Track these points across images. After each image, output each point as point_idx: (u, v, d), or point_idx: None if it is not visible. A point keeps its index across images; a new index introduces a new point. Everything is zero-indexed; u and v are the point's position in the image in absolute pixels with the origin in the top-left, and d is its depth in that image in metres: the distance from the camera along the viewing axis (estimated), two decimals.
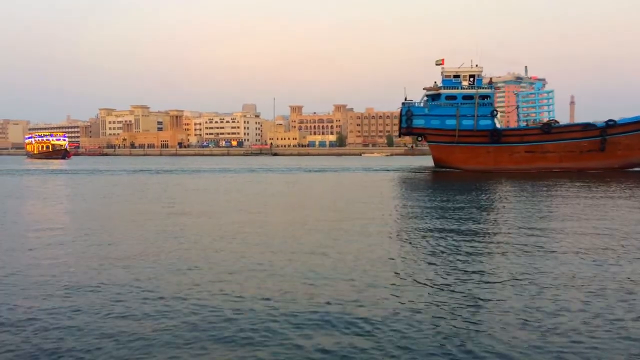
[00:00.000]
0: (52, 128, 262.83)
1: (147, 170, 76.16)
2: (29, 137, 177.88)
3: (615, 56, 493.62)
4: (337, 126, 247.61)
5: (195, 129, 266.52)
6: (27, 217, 27.20)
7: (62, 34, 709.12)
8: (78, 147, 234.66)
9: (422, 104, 70.98)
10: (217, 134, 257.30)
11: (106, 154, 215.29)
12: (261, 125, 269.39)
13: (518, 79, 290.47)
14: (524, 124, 71.64)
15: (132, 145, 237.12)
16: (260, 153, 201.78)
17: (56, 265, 15.66)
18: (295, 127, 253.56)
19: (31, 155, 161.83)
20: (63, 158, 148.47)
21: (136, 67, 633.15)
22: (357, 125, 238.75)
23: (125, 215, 27.24)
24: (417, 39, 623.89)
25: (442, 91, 68.33)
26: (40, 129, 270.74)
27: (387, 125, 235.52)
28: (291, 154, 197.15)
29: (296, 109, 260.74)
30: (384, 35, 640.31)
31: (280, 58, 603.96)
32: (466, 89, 67.97)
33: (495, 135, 66.16)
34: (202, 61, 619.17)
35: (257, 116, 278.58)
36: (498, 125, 69.07)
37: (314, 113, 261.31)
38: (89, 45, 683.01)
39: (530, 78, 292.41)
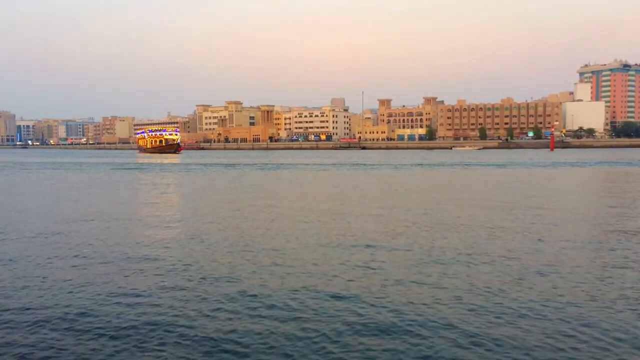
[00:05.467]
0: (154, 124, 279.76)
1: (269, 165, 78.14)
2: (141, 132, 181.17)
3: None
4: (426, 119, 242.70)
5: (285, 124, 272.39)
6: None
7: (162, 37, 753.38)
8: None
9: None
10: (306, 128, 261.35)
11: (203, 148, 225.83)
12: (349, 119, 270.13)
13: (625, 67, 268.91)
14: None
15: (226, 140, 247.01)
16: (348, 147, 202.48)
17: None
18: (383, 120, 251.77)
19: (143, 150, 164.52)
20: (175, 152, 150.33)
21: (230, 63, 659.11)
22: (448, 118, 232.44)
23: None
24: (505, 30, 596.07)
25: None
26: (144, 124, 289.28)
27: (479, 117, 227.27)
28: (379, 148, 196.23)
29: (385, 103, 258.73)
30: (475, 26, 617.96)
31: (368, 51, 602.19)
32: None
33: None
34: (291, 57, 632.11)
35: (345, 110, 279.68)
36: None
37: (403, 106, 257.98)
38: (188, 45, 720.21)
39: None
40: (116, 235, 19.31)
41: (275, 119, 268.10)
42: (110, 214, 25.51)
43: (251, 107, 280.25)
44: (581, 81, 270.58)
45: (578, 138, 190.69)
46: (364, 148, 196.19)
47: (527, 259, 14.82)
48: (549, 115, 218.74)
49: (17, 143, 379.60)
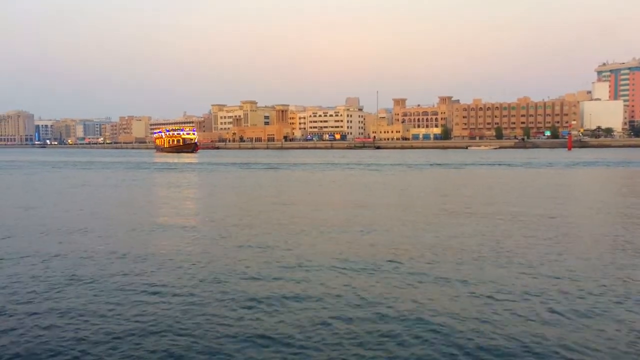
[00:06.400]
0: (170, 123, 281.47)
1: (285, 164, 78.55)
2: (158, 132, 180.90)
3: None
4: (441, 119, 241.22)
5: (299, 123, 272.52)
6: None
7: (177, 37, 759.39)
8: None
9: None
10: (321, 127, 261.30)
11: (218, 148, 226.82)
12: (364, 119, 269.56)
13: None
14: None
15: (241, 139, 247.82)
16: (363, 146, 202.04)
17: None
18: (398, 120, 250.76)
19: (161, 149, 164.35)
20: (192, 151, 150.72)
21: (245, 63, 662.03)
22: (464, 117, 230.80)
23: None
24: (520, 29, 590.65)
25: None
26: (160, 124, 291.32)
27: (495, 117, 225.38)
28: (394, 147, 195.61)
29: (399, 102, 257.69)
30: (488, 25, 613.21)
31: (383, 51, 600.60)
32: None
33: None
34: (305, 56, 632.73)
35: (360, 110, 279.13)
36: None
37: (418, 105, 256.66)
38: (203, 45, 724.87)
39: None
40: (144, 231, 19.66)
41: (290, 118, 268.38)
42: (140, 213, 25.93)
43: (266, 107, 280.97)
44: (599, 80, 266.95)
45: (596, 137, 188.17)
46: (378, 147, 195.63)
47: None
48: (566, 115, 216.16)
49: (36, 143, 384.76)
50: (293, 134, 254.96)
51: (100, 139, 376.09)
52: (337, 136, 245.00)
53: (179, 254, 15.77)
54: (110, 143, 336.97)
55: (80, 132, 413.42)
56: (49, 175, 58.30)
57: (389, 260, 14.55)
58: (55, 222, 22.37)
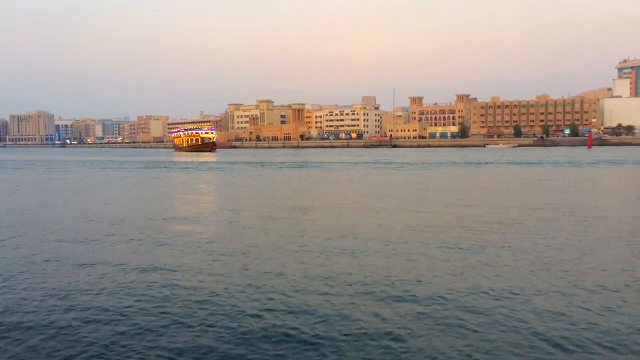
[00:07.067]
0: (187, 123, 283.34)
1: (306, 163, 78.55)
2: (176, 131, 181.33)
3: None
4: (459, 117, 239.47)
5: (316, 122, 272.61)
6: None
7: (193, 38, 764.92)
8: None
9: None
10: (337, 126, 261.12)
11: (235, 147, 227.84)
12: (380, 117, 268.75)
13: None
14: None
15: (258, 138, 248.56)
16: (379, 145, 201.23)
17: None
18: (415, 118, 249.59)
19: (179, 148, 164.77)
20: (211, 150, 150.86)
21: (261, 62, 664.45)
22: (481, 115, 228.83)
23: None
24: (538, 26, 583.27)
25: None
26: (178, 123, 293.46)
27: (514, 114, 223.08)
28: (411, 146, 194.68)
29: (416, 100, 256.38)
30: (506, 23, 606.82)
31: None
32: None
33: None
34: (321, 55, 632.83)
35: (376, 108, 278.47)
36: None
37: (435, 104, 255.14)
38: (219, 45, 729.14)
39: None
40: (164, 229, 19.90)
41: (306, 117, 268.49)
42: (169, 209, 26.23)
43: (282, 106, 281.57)
44: (620, 77, 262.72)
45: (617, 135, 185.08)
46: (395, 146, 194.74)
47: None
48: (586, 112, 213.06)
49: (56, 142, 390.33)
50: (309, 132, 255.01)
51: (119, 139, 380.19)
52: (354, 135, 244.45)
53: (196, 254, 15.96)
54: (129, 142, 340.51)
55: (99, 131, 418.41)
56: (68, 174, 59.16)
57: (396, 257, 14.56)
58: (69, 221, 22.73)
